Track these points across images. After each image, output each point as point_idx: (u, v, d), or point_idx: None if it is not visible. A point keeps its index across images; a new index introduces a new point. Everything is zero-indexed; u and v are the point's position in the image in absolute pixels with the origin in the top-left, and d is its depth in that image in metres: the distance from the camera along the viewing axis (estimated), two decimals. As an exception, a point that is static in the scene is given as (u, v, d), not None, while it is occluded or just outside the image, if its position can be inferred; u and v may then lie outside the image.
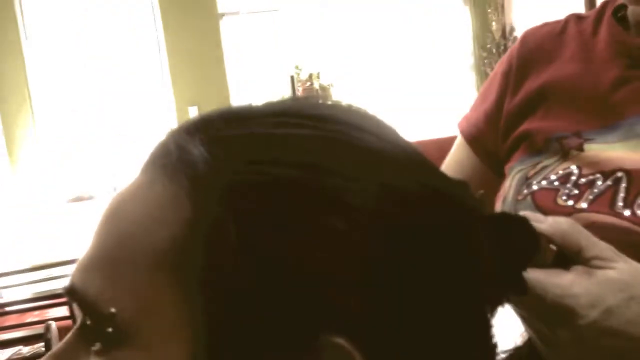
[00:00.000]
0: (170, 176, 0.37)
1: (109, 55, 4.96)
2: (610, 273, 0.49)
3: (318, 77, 5.35)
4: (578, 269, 0.49)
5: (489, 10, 5.35)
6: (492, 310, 0.43)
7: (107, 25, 4.97)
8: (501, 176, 0.78)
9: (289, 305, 0.34)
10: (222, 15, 5.05)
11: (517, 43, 0.81)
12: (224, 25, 5.07)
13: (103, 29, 4.96)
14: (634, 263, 0.51)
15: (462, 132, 0.84)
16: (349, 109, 0.41)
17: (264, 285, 0.33)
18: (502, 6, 5.34)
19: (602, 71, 0.72)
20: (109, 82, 4.95)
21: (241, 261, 0.34)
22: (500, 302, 0.44)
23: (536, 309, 0.49)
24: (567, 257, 0.49)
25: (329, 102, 0.41)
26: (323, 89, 5.31)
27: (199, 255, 0.34)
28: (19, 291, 3.33)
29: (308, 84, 5.34)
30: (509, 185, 0.72)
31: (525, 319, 0.52)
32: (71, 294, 0.38)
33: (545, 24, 0.81)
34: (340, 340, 0.34)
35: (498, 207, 0.73)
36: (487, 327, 0.41)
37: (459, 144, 0.85)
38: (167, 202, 0.36)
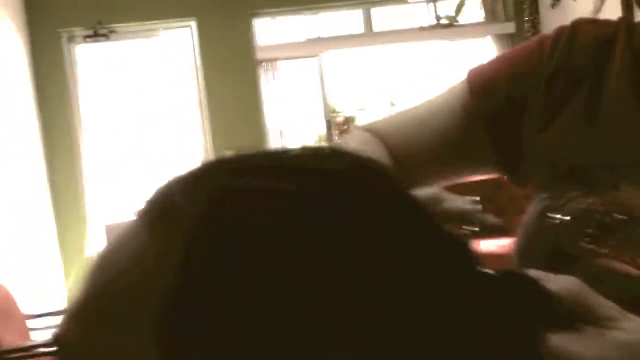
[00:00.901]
0: (157, 225, 0.37)
1: (152, 101, 5.14)
2: (619, 334, 0.49)
3: (354, 121, 5.42)
4: (588, 330, 0.49)
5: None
6: None
7: (151, 71, 5.16)
8: (506, 165, 0.76)
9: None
10: (262, 61, 5.18)
11: (567, 32, 0.74)
12: (262, 70, 5.20)
13: (147, 76, 5.15)
14: (638, 321, 0.50)
15: (478, 107, 0.76)
16: (339, 161, 0.40)
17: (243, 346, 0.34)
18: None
19: None
20: (151, 127, 5.12)
21: (217, 314, 0.34)
22: None
23: None
24: (576, 318, 0.49)
25: (337, 156, 0.41)
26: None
27: (180, 306, 0.34)
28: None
29: (345, 127, 5.42)
30: (532, 212, 0.71)
31: None
32: (55, 344, 0.39)
33: (596, 22, 0.77)
34: None
35: (520, 233, 0.72)
36: None
37: (464, 111, 0.77)
38: (153, 251, 0.36)
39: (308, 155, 0.41)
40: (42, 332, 3.38)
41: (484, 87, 0.77)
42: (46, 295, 4.16)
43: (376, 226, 0.37)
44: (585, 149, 0.69)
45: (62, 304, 3.75)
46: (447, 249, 0.39)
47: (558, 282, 0.48)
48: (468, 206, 0.67)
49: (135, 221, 0.39)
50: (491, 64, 0.80)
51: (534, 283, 0.45)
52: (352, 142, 0.84)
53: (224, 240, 0.35)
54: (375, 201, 0.38)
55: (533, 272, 0.47)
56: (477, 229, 0.74)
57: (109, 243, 0.40)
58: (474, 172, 0.84)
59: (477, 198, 0.60)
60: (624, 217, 0.63)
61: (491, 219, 0.69)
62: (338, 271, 0.35)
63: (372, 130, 0.83)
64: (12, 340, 3.14)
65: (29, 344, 3.15)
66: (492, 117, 0.75)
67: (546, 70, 0.73)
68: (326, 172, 0.39)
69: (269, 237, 0.35)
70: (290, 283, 0.34)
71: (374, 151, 0.79)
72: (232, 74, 4.98)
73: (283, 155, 0.40)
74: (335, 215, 0.36)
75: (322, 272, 0.35)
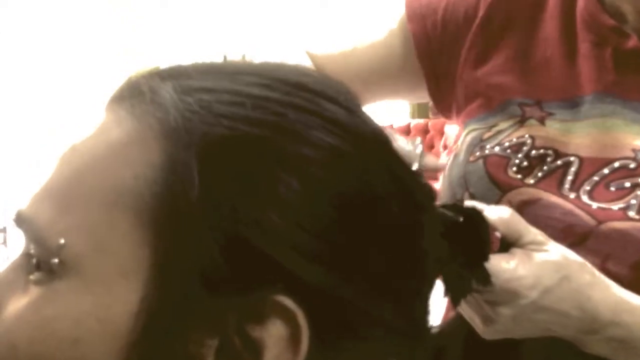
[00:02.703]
0: (139, 116, 0.36)
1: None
2: (545, 255, 0.54)
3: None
4: (518, 252, 0.54)
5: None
6: (456, 301, 0.48)
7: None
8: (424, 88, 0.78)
9: (239, 258, 0.34)
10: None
11: None
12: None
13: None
14: (560, 246, 0.56)
15: (414, 33, 0.78)
16: (324, 80, 0.41)
17: (218, 236, 0.34)
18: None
19: (574, 41, 0.71)
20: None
21: (201, 210, 0.34)
22: (464, 294, 0.49)
23: (484, 293, 0.52)
24: (508, 243, 0.54)
25: (306, 70, 0.42)
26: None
27: (161, 199, 0.34)
28: None
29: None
30: (462, 142, 0.72)
31: (468, 300, 0.55)
32: (20, 222, 0.37)
33: None
34: (285, 299, 0.35)
35: (449, 163, 0.73)
36: (426, 309, 0.42)
37: (399, 32, 0.79)
38: (132, 142, 0.36)
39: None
40: None
41: (420, 11, 0.78)
42: None
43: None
44: (518, 85, 0.71)
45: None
46: (401, 176, 0.40)
47: (494, 212, 0.54)
48: (409, 147, 0.68)
49: (112, 108, 0.38)
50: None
51: (478, 214, 0.48)
52: None
53: (229, 142, 0.35)
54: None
55: (471, 203, 0.51)
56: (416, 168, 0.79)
57: (87, 130, 0.39)
58: (401, 96, 0.89)
59: (419, 139, 0.60)
60: (549, 151, 0.67)
61: (431, 160, 0.71)
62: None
63: (311, 54, 0.84)
64: None
65: None
66: (425, 42, 0.77)
67: (482, 4, 0.74)
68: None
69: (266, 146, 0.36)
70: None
71: None
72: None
73: (256, 67, 0.41)
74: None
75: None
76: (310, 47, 0.85)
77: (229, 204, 0.34)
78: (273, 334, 0.35)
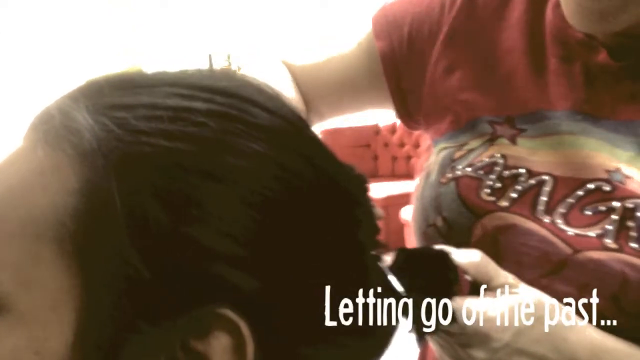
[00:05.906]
0: (52, 143, 0.35)
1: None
2: (516, 298, 0.53)
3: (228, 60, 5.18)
4: (488, 295, 0.53)
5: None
6: (421, 339, 0.47)
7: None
8: (394, 104, 0.78)
9: (173, 277, 0.33)
10: None
11: None
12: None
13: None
14: (533, 289, 0.55)
15: (381, 50, 0.77)
16: (244, 81, 0.40)
17: (147, 258, 0.33)
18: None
19: (542, 54, 0.68)
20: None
21: (125, 234, 0.33)
22: (430, 331, 0.48)
23: (456, 335, 0.52)
24: (479, 286, 0.54)
25: (223, 74, 0.40)
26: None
27: (83, 226, 0.33)
28: None
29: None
30: (434, 162, 0.70)
31: (441, 344, 0.54)
32: None
33: None
34: (226, 311, 0.34)
35: (421, 182, 0.71)
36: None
37: (367, 47, 0.79)
38: (47, 170, 0.35)
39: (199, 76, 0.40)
40: None
41: (387, 27, 0.77)
42: None
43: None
44: (486, 102, 0.69)
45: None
46: (334, 178, 0.39)
47: (464, 255, 0.54)
48: None
49: (27, 136, 0.37)
50: (393, 5, 0.79)
51: (445, 258, 0.50)
52: (267, 73, 0.82)
53: (148, 160, 0.34)
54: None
55: (442, 247, 0.52)
56: None
57: (2, 159, 0.38)
58: (370, 108, 0.86)
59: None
60: (521, 170, 0.64)
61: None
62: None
63: (287, 64, 0.84)
64: None
65: None
66: (391, 59, 0.76)
67: (446, 19, 0.73)
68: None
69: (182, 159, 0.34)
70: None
71: (282, 81, 0.81)
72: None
73: (175, 76, 0.40)
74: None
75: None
76: (287, 56, 0.85)
77: (154, 224, 0.33)
78: (217, 346, 0.34)
